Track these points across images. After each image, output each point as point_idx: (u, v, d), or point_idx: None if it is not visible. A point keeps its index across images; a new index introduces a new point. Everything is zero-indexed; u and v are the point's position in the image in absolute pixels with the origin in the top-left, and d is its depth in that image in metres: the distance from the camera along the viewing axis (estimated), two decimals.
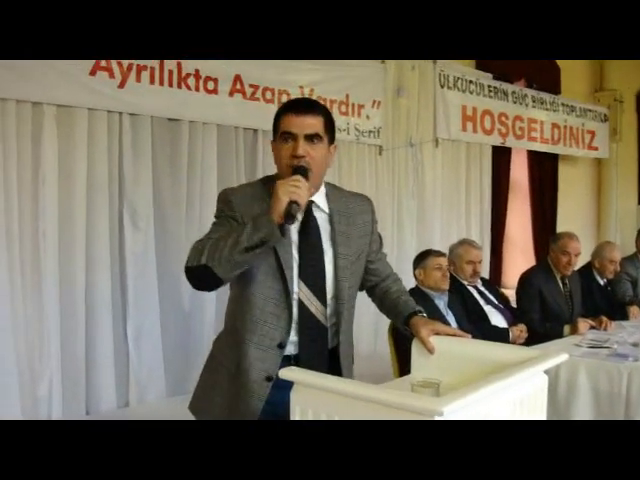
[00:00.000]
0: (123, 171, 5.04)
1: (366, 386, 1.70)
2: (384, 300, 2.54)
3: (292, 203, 2.01)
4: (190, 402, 2.49)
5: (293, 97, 5.76)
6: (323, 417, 1.73)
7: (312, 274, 2.27)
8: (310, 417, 1.75)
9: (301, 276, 2.25)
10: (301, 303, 2.26)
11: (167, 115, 5.25)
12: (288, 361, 2.26)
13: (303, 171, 2.14)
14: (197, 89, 5.31)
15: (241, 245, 2.01)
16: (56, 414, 4.61)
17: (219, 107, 5.46)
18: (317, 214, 2.31)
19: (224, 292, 2.66)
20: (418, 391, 1.86)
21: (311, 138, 2.20)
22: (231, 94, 5.53)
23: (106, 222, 4.98)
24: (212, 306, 5.48)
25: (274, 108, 5.83)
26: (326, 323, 2.31)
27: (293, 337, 2.28)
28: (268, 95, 5.79)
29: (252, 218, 2.07)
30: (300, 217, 2.25)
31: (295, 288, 2.24)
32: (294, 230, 2.25)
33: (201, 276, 2.10)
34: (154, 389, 5.25)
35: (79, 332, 4.82)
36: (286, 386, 1.81)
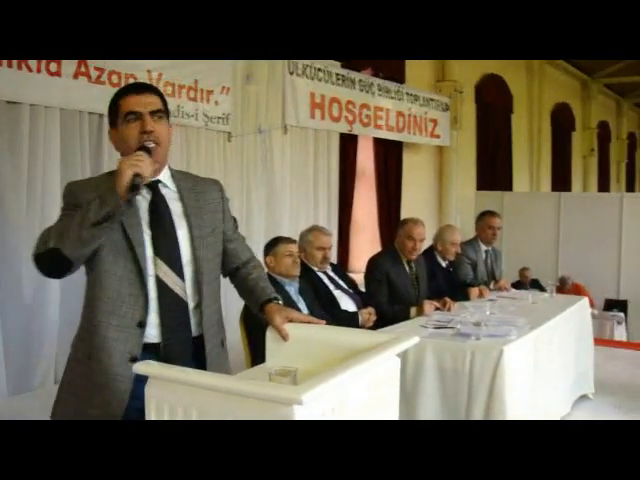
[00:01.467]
0: None
1: (223, 377, 1.70)
2: (243, 287, 2.55)
3: (135, 176, 2.05)
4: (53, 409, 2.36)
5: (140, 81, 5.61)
6: (180, 411, 1.70)
7: (165, 248, 2.26)
8: (166, 411, 1.72)
9: (156, 252, 2.25)
10: (159, 280, 2.24)
11: (6, 97, 4.97)
12: (154, 349, 2.24)
13: (147, 149, 2.17)
14: (39, 70, 5.05)
15: (88, 221, 2.02)
16: None
17: (62, 90, 5.23)
18: (164, 191, 2.33)
19: (69, 284, 2.57)
20: (276, 380, 1.86)
21: (155, 114, 2.25)
22: (75, 77, 5.31)
23: None
24: (56, 299, 5.27)
25: None
26: (186, 298, 2.29)
27: (155, 319, 2.24)
28: (114, 79, 5.60)
29: (98, 195, 2.06)
30: (148, 196, 2.28)
31: (150, 265, 2.23)
32: (144, 209, 2.27)
33: (51, 260, 2.07)
34: None
35: None
36: None
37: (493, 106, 12.65)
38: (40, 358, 5.27)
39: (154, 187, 2.30)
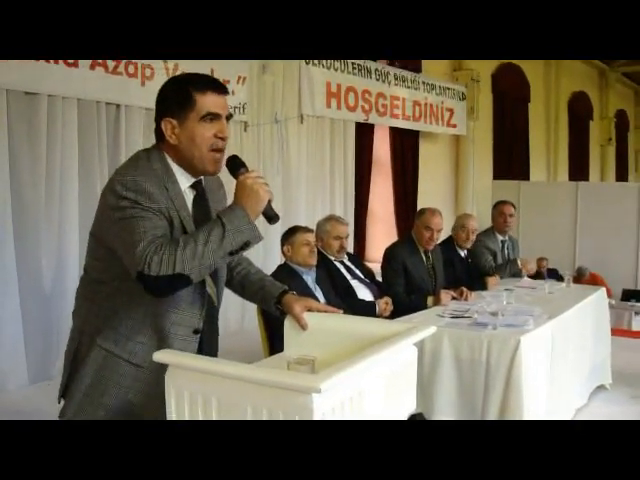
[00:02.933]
0: None
1: (242, 366, 1.70)
2: (246, 284, 2.50)
3: (269, 202, 2.01)
4: (67, 411, 2.20)
5: (157, 72, 5.63)
6: (199, 399, 1.72)
7: None
8: (186, 399, 1.74)
9: None
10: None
11: (24, 88, 5.00)
12: None
13: (241, 161, 2.10)
14: (56, 61, 5.07)
15: (225, 250, 1.92)
16: None
17: (80, 81, 5.25)
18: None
19: None
20: (294, 368, 1.88)
21: (227, 119, 2.16)
22: (92, 67, 5.34)
23: None
24: (75, 290, 5.29)
25: (137, 83, 5.72)
26: (216, 300, 2.29)
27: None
28: (131, 69, 5.62)
29: (226, 218, 1.93)
30: (191, 195, 2.18)
31: None
32: (190, 204, 2.17)
33: (174, 284, 1.94)
34: (16, 376, 5.06)
35: None
36: None
37: (510, 95, 12.58)
38: (59, 348, 5.30)
39: (198, 187, 2.21)
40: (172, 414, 1.78)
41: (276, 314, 2.39)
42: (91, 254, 2.21)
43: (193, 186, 2.18)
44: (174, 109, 2.09)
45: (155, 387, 2.05)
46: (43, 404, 4.45)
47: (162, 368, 2.01)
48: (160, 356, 1.80)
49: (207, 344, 2.25)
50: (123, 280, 2.07)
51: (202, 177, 2.21)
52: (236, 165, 2.10)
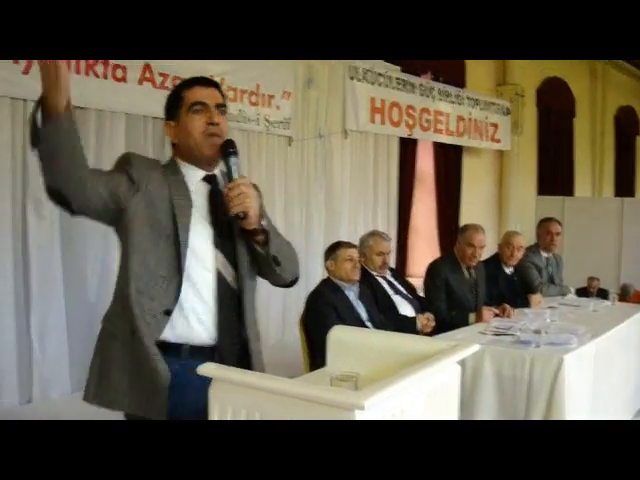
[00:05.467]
0: (27, 160, 4.87)
1: (286, 381, 1.71)
2: None
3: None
4: (85, 392, 2.36)
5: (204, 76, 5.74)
6: (243, 413, 1.73)
7: (226, 240, 2.25)
8: (229, 413, 1.75)
9: (216, 245, 2.23)
10: (220, 276, 2.22)
11: (74, 103, 5.06)
12: (209, 352, 2.19)
13: (233, 145, 2.20)
14: (105, 77, 5.19)
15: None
16: None
17: (128, 96, 5.35)
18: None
19: None
20: (337, 384, 1.89)
21: (220, 107, 2.26)
22: (140, 82, 5.44)
23: (8, 212, 4.84)
24: None
25: None
26: (239, 293, 2.27)
27: (211, 319, 2.20)
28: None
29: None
30: (206, 189, 2.29)
31: (211, 258, 2.21)
32: (201, 202, 2.26)
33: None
34: (59, 384, 5.12)
35: None
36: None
37: (555, 110, 12.47)
38: None
39: (212, 180, 2.30)
40: None
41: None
42: None
43: (207, 180, 2.30)
44: (171, 112, 2.30)
45: (130, 356, 2.16)
46: (86, 413, 4.52)
47: (136, 338, 2.13)
48: (205, 370, 1.82)
49: (228, 344, 2.23)
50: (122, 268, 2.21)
51: (215, 173, 2.33)
52: (227, 152, 2.20)
